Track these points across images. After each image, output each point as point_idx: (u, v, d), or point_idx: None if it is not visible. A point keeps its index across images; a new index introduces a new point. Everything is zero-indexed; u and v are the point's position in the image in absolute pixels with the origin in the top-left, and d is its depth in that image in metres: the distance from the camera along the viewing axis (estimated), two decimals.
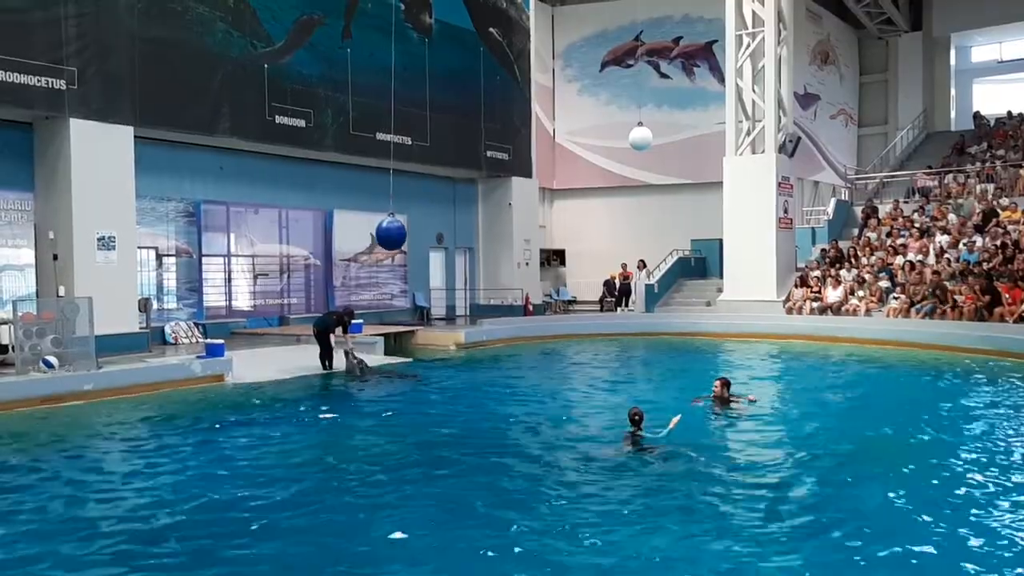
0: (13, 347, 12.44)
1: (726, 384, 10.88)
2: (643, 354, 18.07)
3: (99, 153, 15.23)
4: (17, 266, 15.33)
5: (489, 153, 24.01)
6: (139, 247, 16.69)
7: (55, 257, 14.75)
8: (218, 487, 7.54)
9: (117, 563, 5.77)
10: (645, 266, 24.85)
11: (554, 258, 29.03)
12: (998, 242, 19.63)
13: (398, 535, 6.21)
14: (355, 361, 14.51)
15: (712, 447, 8.76)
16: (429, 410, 11.61)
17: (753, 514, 6.56)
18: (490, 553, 5.84)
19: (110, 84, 15.47)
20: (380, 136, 20.65)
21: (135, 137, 15.94)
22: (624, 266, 25.15)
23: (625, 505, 6.83)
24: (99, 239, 15.30)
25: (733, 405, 10.70)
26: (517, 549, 5.90)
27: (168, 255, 18.21)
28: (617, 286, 25.28)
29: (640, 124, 23.08)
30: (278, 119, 18.41)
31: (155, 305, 17.25)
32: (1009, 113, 29.13)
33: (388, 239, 16.33)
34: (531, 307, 24.17)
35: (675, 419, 8.76)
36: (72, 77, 14.84)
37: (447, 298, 24.81)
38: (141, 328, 15.97)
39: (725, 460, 8.25)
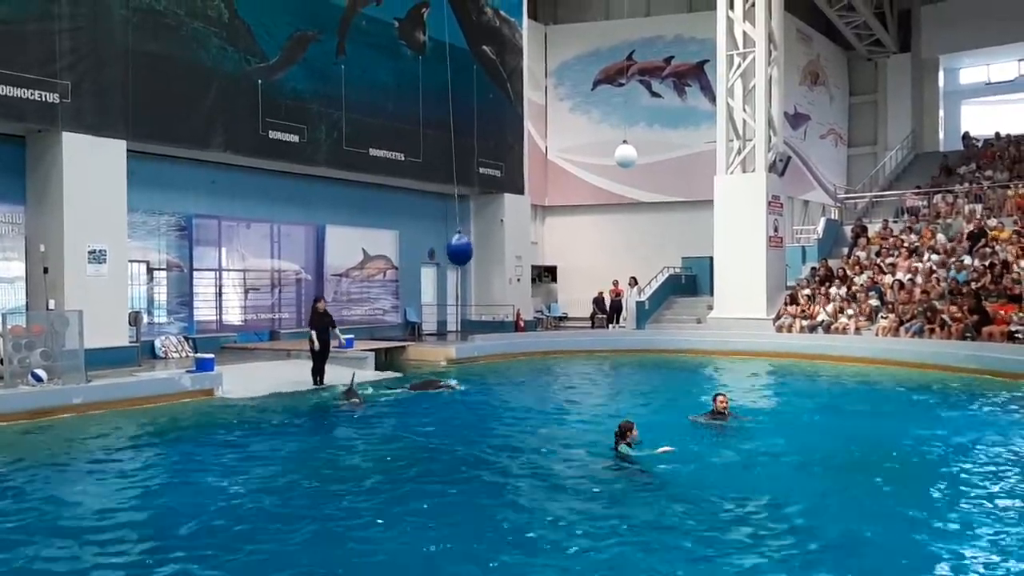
0: (2, 360, 12.37)
1: (724, 400, 10.90)
2: (634, 371, 18.08)
3: (91, 167, 15.24)
4: (7, 279, 15.30)
5: (481, 170, 24.11)
6: (130, 261, 16.67)
7: (45, 270, 14.70)
8: (203, 502, 7.51)
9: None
10: (636, 283, 24.92)
11: (545, 274, 29.09)
12: (987, 262, 19.77)
13: (383, 550, 6.22)
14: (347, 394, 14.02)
15: (700, 461, 8.77)
16: (417, 425, 11.58)
17: (735, 533, 6.56)
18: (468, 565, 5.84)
19: (103, 98, 15.50)
20: (373, 152, 20.74)
21: (128, 151, 15.95)
22: (616, 283, 25.22)
23: (603, 518, 6.85)
24: (90, 252, 15.28)
25: (729, 420, 10.73)
26: (492, 564, 5.92)
27: (159, 269, 18.18)
28: (608, 303, 25.35)
29: (625, 142, 23.17)
30: (271, 134, 18.46)
31: (145, 319, 17.21)
32: (997, 134, 29.40)
33: (459, 254, 16.72)
34: (522, 323, 24.20)
35: (666, 448, 8.77)
36: (65, 90, 14.87)
37: (438, 313, 24.82)
38: (131, 342, 15.93)
39: (710, 475, 8.27)
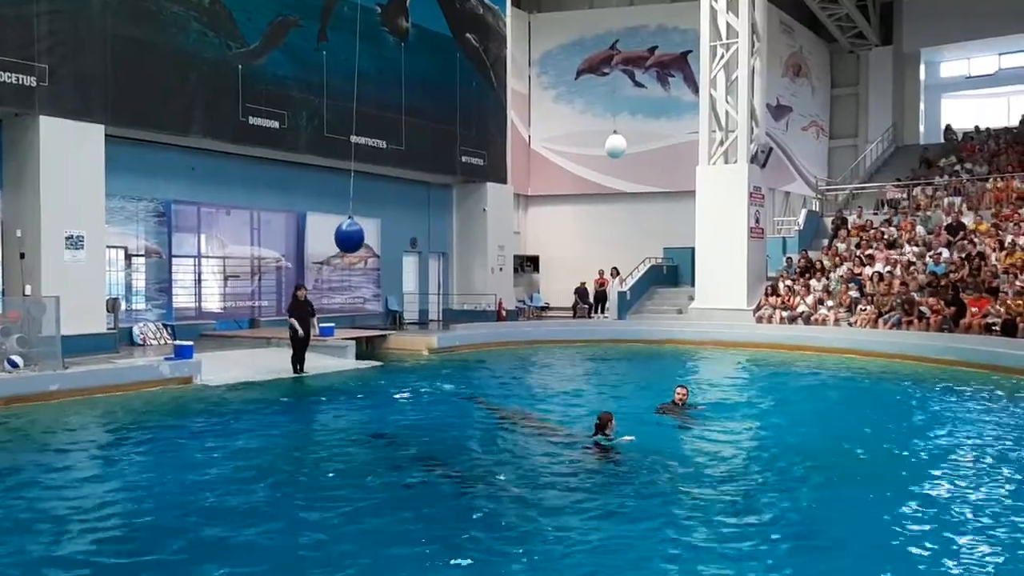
0: None
1: (683, 392, 10.95)
2: (614, 361, 18.12)
3: (69, 151, 15.06)
4: None
5: (464, 158, 24.04)
6: (108, 247, 16.51)
7: (22, 256, 14.57)
8: (180, 491, 7.47)
9: (71, 563, 5.72)
10: (618, 274, 24.97)
11: (528, 264, 29.08)
12: (964, 254, 19.94)
13: (362, 539, 6.21)
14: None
15: (675, 453, 8.81)
16: (396, 413, 11.59)
17: (707, 522, 6.59)
18: (441, 556, 5.85)
19: (82, 82, 15.32)
20: (354, 139, 20.60)
21: (106, 136, 15.78)
22: (600, 272, 25.27)
23: (579, 508, 6.90)
24: (67, 238, 15.11)
25: (691, 412, 10.81)
26: (466, 558, 5.92)
27: (137, 255, 18.03)
28: (592, 293, 25.39)
29: (615, 132, 23.21)
30: (252, 120, 18.31)
31: (123, 306, 17.07)
32: (976, 128, 29.64)
33: (348, 242, 16.40)
34: (504, 313, 24.20)
35: (627, 438, 8.87)
36: (43, 74, 14.68)
37: (420, 302, 24.78)
38: (109, 329, 15.79)
39: (683, 466, 8.31)
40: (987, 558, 5.80)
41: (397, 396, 12.84)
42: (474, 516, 6.73)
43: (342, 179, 21.72)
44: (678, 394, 10.88)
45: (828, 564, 5.77)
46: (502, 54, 25.53)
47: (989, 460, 8.69)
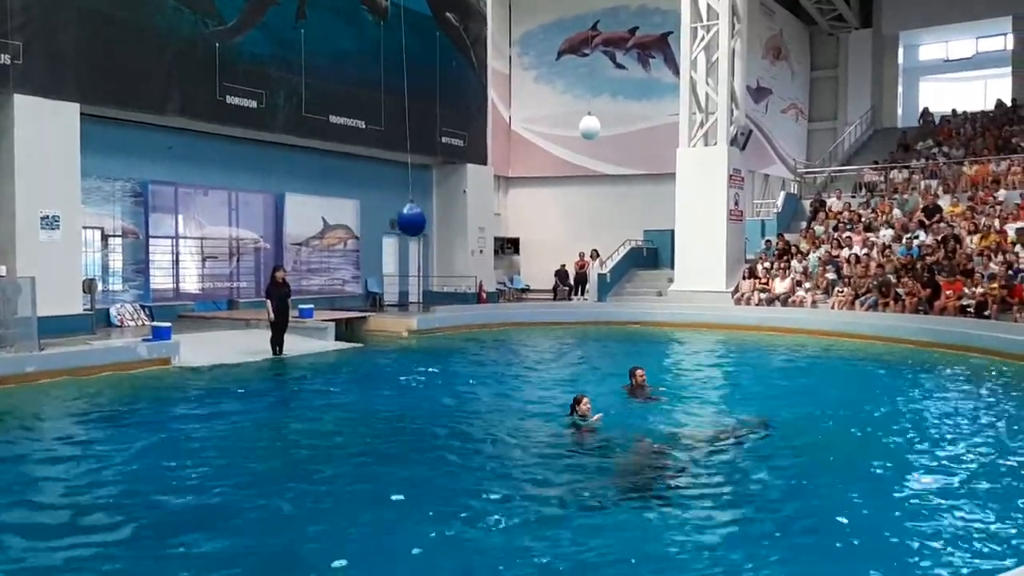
0: None
1: (641, 374, 10.97)
2: (593, 342, 18.18)
3: (44, 130, 14.88)
4: None
5: (444, 139, 23.94)
6: (84, 227, 16.36)
7: None
8: (157, 473, 7.45)
9: (48, 552, 5.70)
10: (598, 256, 25.03)
11: (508, 246, 29.08)
12: (939, 237, 20.13)
13: (343, 520, 6.23)
14: None
15: (642, 431, 8.89)
16: (375, 394, 11.59)
17: (679, 504, 6.66)
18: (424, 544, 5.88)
19: (56, 60, 15.10)
20: (333, 119, 20.48)
21: (81, 115, 15.59)
22: (581, 255, 25.32)
23: (558, 481, 6.95)
24: (43, 218, 14.95)
25: (652, 392, 10.86)
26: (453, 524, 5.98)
27: (114, 236, 17.86)
28: (573, 275, 25.44)
29: (589, 113, 23.17)
30: (229, 99, 18.14)
31: (100, 287, 16.92)
32: (953, 111, 29.84)
33: (411, 225, 16.52)
34: (484, 295, 24.22)
35: (597, 416, 8.98)
36: (16, 52, 14.46)
37: (400, 284, 24.73)
38: (85, 310, 15.66)
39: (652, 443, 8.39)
40: (959, 538, 5.91)
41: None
42: (448, 488, 6.78)
43: (321, 159, 21.73)
44: (637, 376, 10.91)
45: (802, 543, 5.86)
46: (482, 34, 25.39)
47: (960, 439, 8.81)
